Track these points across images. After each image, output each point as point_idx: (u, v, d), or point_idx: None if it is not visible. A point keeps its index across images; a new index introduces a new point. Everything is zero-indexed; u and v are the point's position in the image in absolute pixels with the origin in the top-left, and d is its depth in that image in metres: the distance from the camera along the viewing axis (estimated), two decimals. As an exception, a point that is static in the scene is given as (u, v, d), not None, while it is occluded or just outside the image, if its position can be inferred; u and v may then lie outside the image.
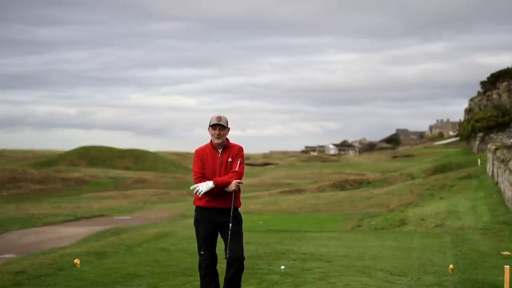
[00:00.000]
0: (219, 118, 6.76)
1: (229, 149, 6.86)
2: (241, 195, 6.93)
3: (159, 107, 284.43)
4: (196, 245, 6.90)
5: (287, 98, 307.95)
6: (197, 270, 6.93)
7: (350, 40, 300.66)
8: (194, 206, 6.84)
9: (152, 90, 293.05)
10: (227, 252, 6.62)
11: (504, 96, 72.85)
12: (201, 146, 6.94)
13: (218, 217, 6.69)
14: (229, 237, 6.61)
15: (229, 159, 6.80)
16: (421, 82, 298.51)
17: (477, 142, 59.65)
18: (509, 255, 11.64)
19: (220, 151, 6.81)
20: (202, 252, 6.75)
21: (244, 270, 6.80)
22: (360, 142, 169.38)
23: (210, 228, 6.73)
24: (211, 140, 6.85)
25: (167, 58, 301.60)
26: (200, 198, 6.70)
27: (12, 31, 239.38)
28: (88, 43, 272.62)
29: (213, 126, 6.75)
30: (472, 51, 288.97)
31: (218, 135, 6.75)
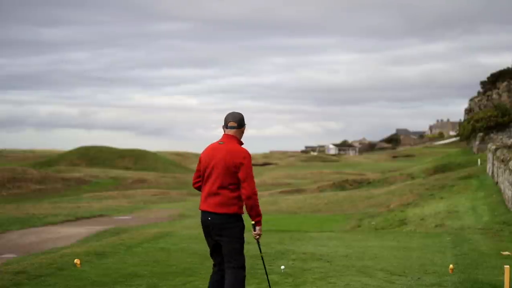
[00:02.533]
0: None
1: None
2: None
3: (161, 107, 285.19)
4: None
5: (289, 98, 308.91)
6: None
7: (352, 41, 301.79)
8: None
9: (154, 90, 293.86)
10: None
11: (504, 96, 72.86)
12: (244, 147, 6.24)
13: None
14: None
15: None
16: (422, 82, 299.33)
17: (477, 142, 59.65)
18: (509, 255, 11.63)
19: None
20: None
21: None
22: (360, 142, 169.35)
23: None
24: (241, 142, 6.24)
25: (169, 58, 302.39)
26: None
27: (14, 31, 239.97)
28: (91, 43, 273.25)
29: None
30: (475, 51, 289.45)
31: None
